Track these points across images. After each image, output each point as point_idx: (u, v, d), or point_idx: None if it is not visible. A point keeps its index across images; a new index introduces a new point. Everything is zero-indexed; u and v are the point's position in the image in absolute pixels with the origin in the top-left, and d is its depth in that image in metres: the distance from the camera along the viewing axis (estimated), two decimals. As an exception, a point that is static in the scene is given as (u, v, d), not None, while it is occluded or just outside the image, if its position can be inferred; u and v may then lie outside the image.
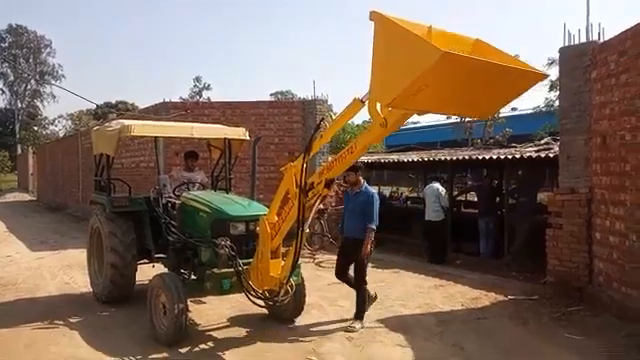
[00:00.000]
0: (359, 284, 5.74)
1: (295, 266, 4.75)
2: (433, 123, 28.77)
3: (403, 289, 7.34)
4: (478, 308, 6.44)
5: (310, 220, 4.60)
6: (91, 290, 6.83)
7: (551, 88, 22.50)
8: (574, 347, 5.02)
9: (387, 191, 19.95)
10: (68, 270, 8.62)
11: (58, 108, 74.00)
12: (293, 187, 4.50)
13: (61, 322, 5.77)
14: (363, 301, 5.72)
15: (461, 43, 3.78)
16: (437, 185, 9.61)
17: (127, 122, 6.30)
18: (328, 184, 4.36)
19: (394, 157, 12.81)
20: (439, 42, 3.44)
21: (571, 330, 5.45)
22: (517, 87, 3.67)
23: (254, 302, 5.02)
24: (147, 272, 6.26)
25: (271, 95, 46.98)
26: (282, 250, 5.02)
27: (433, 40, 3.44)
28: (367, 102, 3.87)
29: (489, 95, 3.67)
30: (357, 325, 5.56)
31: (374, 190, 6.22)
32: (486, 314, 6.17)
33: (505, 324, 5.78)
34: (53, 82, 50.65)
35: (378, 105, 3.81)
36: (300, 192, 4.29)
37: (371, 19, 3.49)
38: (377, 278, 7.94)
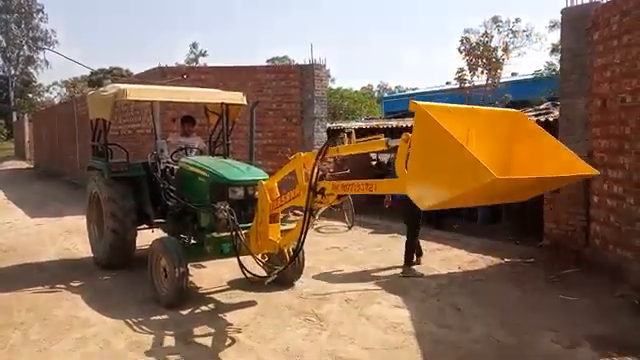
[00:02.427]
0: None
1: (299, 250, 4.72)
2: (431, 89, 28.51)
3: (401, 253, 7.39)
4: (475, 271, 6.53)
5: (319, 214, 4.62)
6: (91, 255, 6.88)
7: (552, 51, 22.22)
8: (569, 307, 5.12)
9: (386, 158, 19.94)
10: (68, 236, 8.68)
11: (52, 75, 73.01)
12: (302, 180, 4.49)
13: (63, 286, 5.83)
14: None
15: (501, 120, 3.71)
16: None
17: (122, 86, 6.22)
18: (339, 197, 4.40)
19: (393, 123, 12.75)
20: (480, 123, 3.38)
21: (566, 291, 5.53)
22: (562, 183, 3.62)
23: (249, 278, 5.04)
24: (147, 237, 6.30)
25: (268, 61, 46.29)
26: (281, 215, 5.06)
27: (476, 122, 3.36)
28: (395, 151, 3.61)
29: (532, 190, 3.66)
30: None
31: None
32: (482, 276, 6.26)
33: (501, 286, 5.87)
34: (47, 47, 49.77)
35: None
36: (309, 190, 4.29)
37: (411, 109, 3.25)
38: (374, 242, 8.04)
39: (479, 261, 6.92)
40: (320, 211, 4.60)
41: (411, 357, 4.07)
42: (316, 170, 4.28)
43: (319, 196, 4.29)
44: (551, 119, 8.13)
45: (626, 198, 5.75)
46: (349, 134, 4.23)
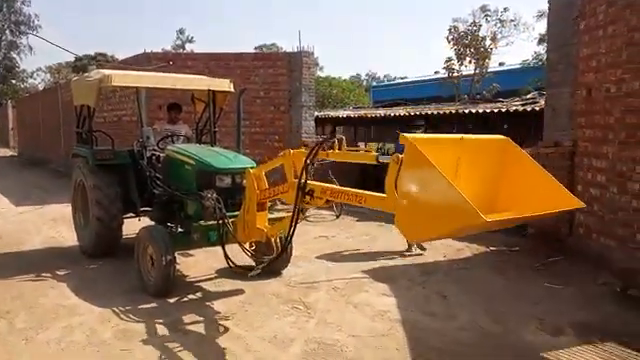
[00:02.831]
0: None
1: (287, 245, 4.76)
2: (420, 78, 28.54)
3: (388, 241, 7.45)
4: (461, 259, 6.60)
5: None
6: (77, 244, 6.83)
7: (540, 42, 22.34)
8: (553, 294, 5.20)
9: (373, 147, 19.96)
10: (53, 224, 8.59)
11: (35, 61, 71.56)
12: (291, 176, 4.47)
13: (49, 275, 5.78)
14: None
15: (489, 147, 3.74)
16: None
17: (107, 72, 6.13)
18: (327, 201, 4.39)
19: (381, 112, 12.77)
20: (469, 152, 3.41)
21: (550, 279, 5.61)
22: (548, 216, 3.79)
23: (233, 269, 5.04)
24: (134, 226, 6.26)
25: (255, 48, 45.86)
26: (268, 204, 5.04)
27: (465, 151, 3.40)
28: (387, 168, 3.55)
29: (518, 221, 3.77)
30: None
31: None
32: (468, 265, 6.33)
33: (486, 274, 5.94)
34: (31, 32, 48.74)
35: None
36: (298, 189, 4.28)
37: (401, 143, 3.22)
38: (362, 231, 8.07)
39: (465, 250, 6.99)
40: (309, 210, 4.59)
41: (397, 344, 4.11)
42: (305, 172, 4.26)
43: (307, 197, 4.29)
44: (537, 108, 8.19)
45: (609, 187, 5.82)
46: (340, 140, 4.22)
